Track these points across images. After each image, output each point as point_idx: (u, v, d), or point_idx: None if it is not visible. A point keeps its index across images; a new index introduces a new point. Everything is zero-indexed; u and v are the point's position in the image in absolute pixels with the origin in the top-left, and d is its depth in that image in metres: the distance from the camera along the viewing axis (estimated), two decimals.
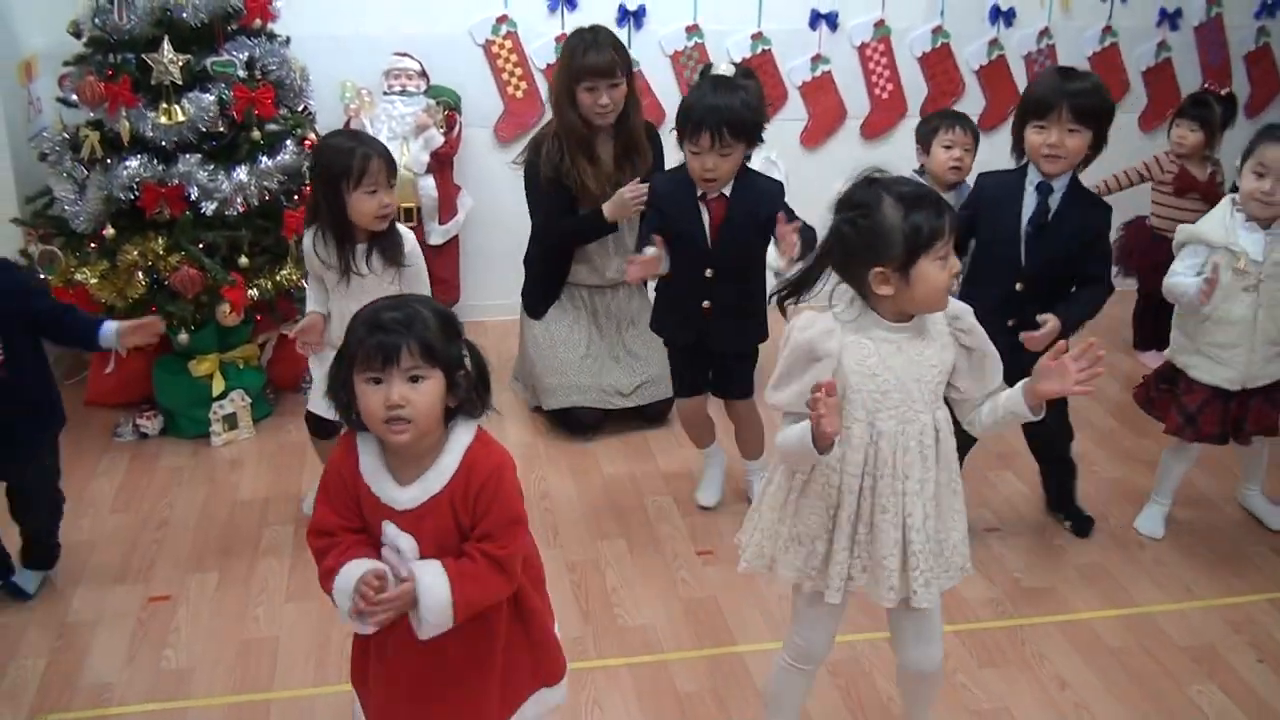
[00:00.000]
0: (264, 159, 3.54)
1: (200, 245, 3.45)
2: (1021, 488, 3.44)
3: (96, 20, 3.40)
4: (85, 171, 3.49)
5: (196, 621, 2.78)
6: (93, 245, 3.50)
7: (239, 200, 3.50)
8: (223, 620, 2.79)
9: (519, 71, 4.44)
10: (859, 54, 4.69)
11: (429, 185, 4.17)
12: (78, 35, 3.50)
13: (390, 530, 1.79)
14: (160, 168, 3.43)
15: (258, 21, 3.62)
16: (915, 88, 4.77)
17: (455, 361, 1.74)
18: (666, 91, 4.49)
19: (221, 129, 3.49)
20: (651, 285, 3.23)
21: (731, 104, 2.82)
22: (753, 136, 2.89)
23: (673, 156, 3.22)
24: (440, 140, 4.14)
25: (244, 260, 3.50)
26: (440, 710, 1.87)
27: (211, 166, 3.47)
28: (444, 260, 4.35)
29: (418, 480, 1.77)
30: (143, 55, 3.40)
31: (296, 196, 3.67)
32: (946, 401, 2.02)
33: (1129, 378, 4.06)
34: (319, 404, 2.91)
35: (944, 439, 1.98)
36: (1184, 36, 4.98)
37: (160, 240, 3.45)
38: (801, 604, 2.13)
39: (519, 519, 1.82)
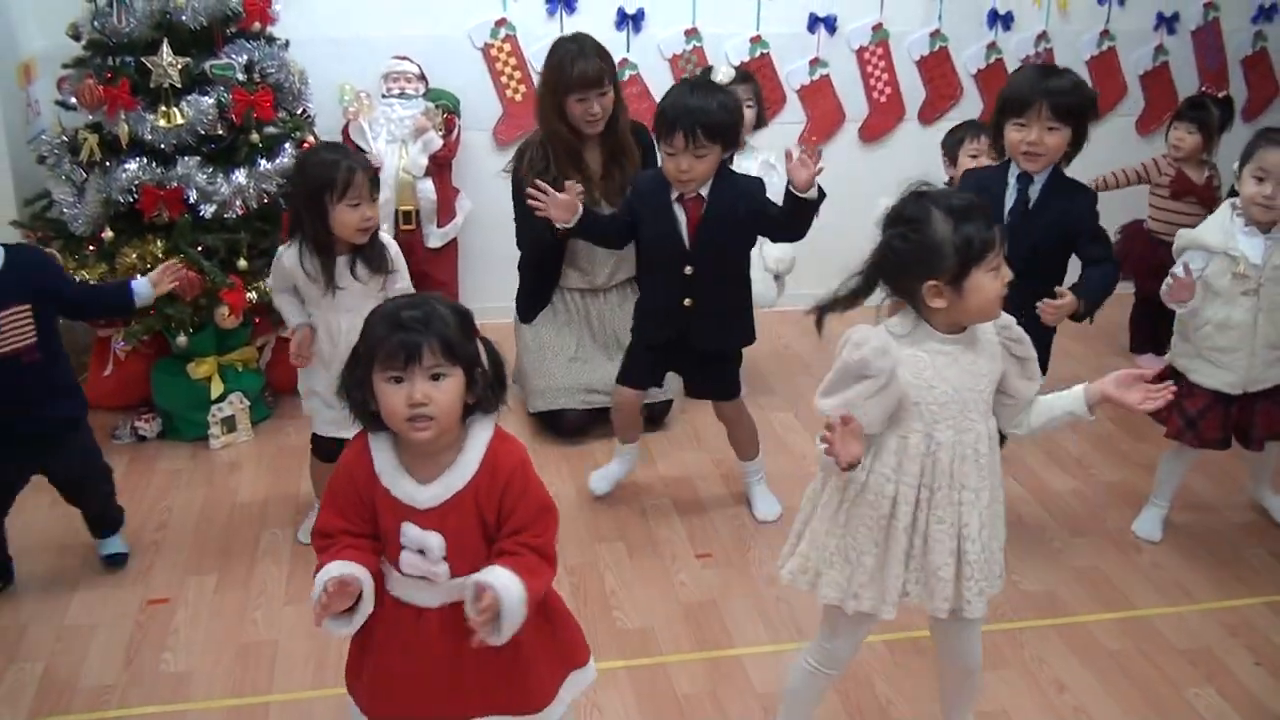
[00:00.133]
0: (263, 162, 3.55)
1: (199, 248, 3.46)
2: (1020, 491, 3.44)
3: (95, 23, 3.41)
4: (84, 174, 3.50)
5: (195, 624, 2.78)
6: (91, 248, 3.50)
7: (238, 203, 3.51)
8: (222, 623, 2.79)
9: (518, 75, 4.45)
10: (857, 57, 4.69)
11: (428, 188, 4.16)
12: (77, 38, 3.51)
13: (412, 531, 1.78)
14: (159, 170, 3.44)
15: (257, 24, 3.63)
16: (913, 91, 4.77)
17: (474, 358, 1.76)
18: None
19: (220, 132, 3.50)
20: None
21: (707, 106, 2.80)
22: (730, 138, 2.88)
23: None
24: (439, 143, 4.13)
25: (242, 263, 3.50)
26: (480, 703, 1.87)
27: (210, 169, 3.47)
28: (443, 263, 4.35)
29: (440, 478, 1.77)
30: (142, 58, 3.41)
31: None
32: None
33: None
34: (326, 426, 2.89)
35: (994, 448, 2.01)
36: (1181, 40, 4.98)
37: (159, 243, 3.45)
38: (837, 614, 2.11)
39: (548, 506, 1.84)
